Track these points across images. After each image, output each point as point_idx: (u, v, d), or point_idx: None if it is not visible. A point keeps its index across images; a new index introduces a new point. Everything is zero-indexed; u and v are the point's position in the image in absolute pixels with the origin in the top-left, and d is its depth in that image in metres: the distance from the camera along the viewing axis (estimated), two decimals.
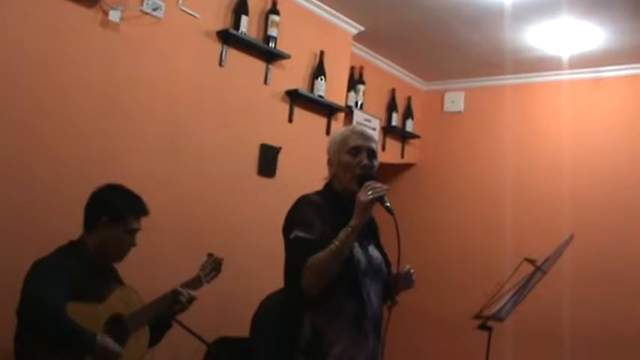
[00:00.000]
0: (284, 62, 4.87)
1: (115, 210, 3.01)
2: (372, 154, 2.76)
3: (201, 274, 3.29)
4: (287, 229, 2.68)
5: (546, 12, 4.83)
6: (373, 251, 2.75)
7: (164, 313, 3.11)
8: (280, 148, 4.80)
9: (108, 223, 2.98)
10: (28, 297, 2.65)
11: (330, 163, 2.83)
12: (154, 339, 3.14)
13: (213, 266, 3.38)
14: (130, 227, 3.03)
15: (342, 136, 2.81)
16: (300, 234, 2.59)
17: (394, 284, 2.78)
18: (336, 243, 2.49)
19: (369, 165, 2.72)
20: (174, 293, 3.14)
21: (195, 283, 3.27)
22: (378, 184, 2.56)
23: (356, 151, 2.73)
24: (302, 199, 2.75)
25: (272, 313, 3.75)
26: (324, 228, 2.60)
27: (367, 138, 2.79)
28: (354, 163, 2.71)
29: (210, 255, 3.41)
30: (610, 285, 5.40)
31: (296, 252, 2.59)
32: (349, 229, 2.51)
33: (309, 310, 2.57)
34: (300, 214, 2.68)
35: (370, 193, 2.53)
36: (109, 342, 2.72)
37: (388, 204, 2.57)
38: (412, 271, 2.81)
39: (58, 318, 2.59)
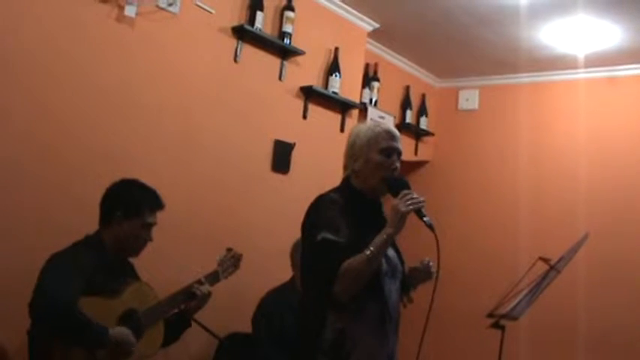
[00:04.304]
0: (299, 58, 4.86)
1: (130, 204, 3.00)
2: (399, 156, 2.73)
3: (219, 269, 3.28)
4: (311, 230, 2.60)
5: (562, 10, 4.80)
6: (389, 250, 2.71)
7: (181, 310, 3.12)
8: (294, 145, 4.80)
9: (123, 217, 2.97)
10: (40, 290, 2.65)
11: (353, 158, 2.73)
12: (171, 338, 3.16)
13: (232, 262, 3.37)
14: (146, 221, 3.01)
15: (373, 132, 2.72)
16: (329, 236, 2.52)
17: (414, 279, 2.79)
18: (372, 249, 2.46)
19: (399, 168, 2.71)
20: (189, 289, 3.14)
21: (212, 278, 3.27)
22: (415, 195, 2.53)
23: (388, 152, 2.68)
24: (323, 198, 2.68)
25: (277, 311, 3.75)
26: (348, 230, 2.55)
27: (397, 139, 2.75)
28: (385, 164, 2.67)
29: (229, 250, 3.40)
30: (625, 286, 5.37)
31: (325, 255, 2.52)
32: (384, 236, 2.48)
33: (332, 312, 2.53)
34: (326, 214, 2.60)
35: (409, 203, 2.49)
36: (121, 333, 2.72)
37: (427, 218, 2.55)
38: (431, 263, 2.76)
39: (69, 312, 2.59)
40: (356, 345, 2.52)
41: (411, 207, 2.49)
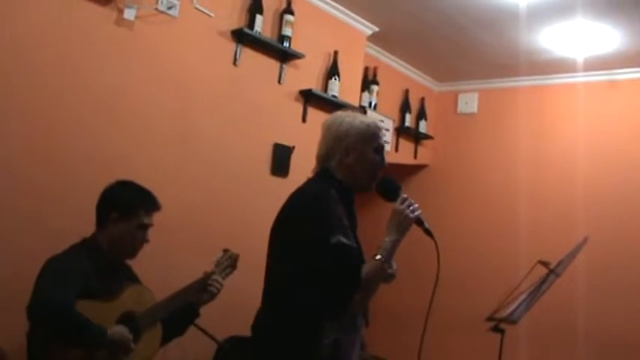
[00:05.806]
0: (298, 62, 4.86)
1: (125, 205, 2.99)
2: None
3: (216, 270, 3.28)
4: (320, 230, 2.40)
5: (561, 14, 4.80)
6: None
7: (180, 307, 3.11)
8: (294, 148, 4.80)
9: (118, 218, 2.96)
10: (38, 293, 2.65)
11: (345, 150, 2.56)
12: (179, 330, 3.17)
13: (229, 262, 3.35)
14: (142, 222, 3.00)
15: (368, 128, 2.59)
16: (344, 240, 2.37)
17: None
18: (384, 253, 2.40)
19: None
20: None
21: (201, 284, 3.25)
22: (413, 201, 2.48)
23: (380, 150, 2.61)
24: (325, 194, 2.47)
25: None
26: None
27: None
28: (378, 163, 2.60)
29: (225, 251, 3.38)
30: (624, 290, 5.36)
31: (343, 261, 2.37)
32: (392, 243, 2.42)
33: (329, 321, 2.40)
34: (335, 213, 2.43)
35: (412, 209, 2.45)
36: (119, 332, 2.72)
37: (426, 225, 2.52)
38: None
39: (67, 313, 2.59)
40: (348, 354, 2.46)
41: (416, 213, 2.46)
